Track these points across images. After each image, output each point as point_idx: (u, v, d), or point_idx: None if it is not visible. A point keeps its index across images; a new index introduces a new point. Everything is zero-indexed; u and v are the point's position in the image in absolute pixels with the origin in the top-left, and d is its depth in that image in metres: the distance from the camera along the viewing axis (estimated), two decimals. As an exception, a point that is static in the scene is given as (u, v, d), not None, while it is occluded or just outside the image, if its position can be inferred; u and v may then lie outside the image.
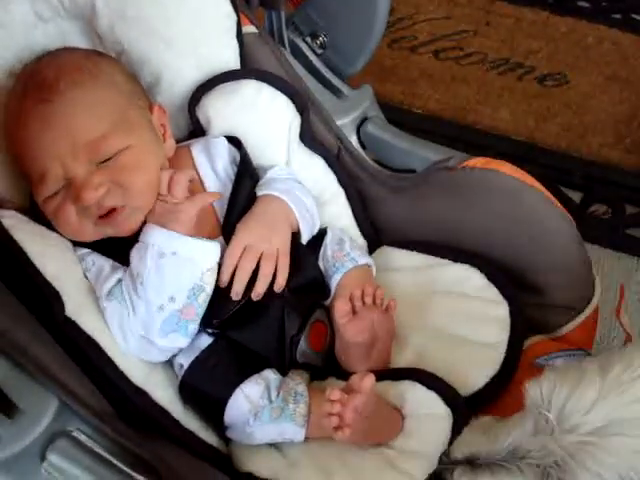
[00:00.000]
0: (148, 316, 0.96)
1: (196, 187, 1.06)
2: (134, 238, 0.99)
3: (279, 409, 0.95)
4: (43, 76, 1.00)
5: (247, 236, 1.02)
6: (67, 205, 0.97)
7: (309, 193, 1.14)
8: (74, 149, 0.96)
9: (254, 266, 1.00)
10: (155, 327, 0.96)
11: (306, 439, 0.96)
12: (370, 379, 0.91)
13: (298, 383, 0.98)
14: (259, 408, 0.95)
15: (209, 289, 0.97)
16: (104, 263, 1.00)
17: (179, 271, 0.95)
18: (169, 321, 0.96)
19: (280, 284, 1.01)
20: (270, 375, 0.98)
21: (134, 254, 0.97)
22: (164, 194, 0.99)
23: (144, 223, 0.99)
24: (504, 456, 0.74)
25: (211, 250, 0.98)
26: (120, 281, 0.98)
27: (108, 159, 0.98)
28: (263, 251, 1.01)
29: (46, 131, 0.97)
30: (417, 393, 0.97)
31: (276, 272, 1.01)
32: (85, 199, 0.95)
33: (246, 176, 1.08)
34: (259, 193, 1.08)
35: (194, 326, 0.97)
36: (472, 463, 0.76)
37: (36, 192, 1.00)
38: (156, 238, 0.96)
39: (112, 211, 0.98)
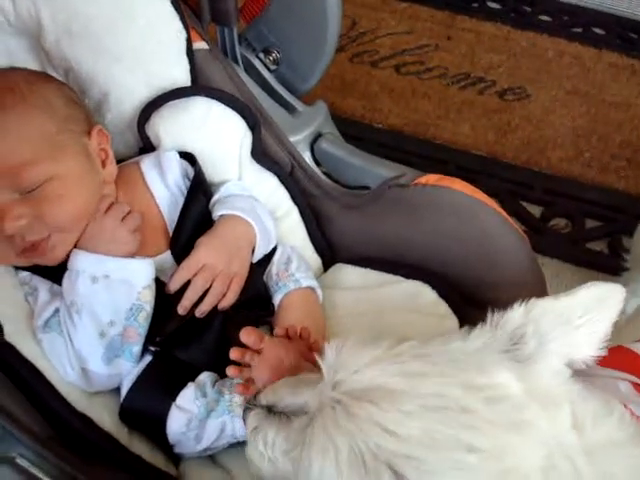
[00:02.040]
0: (89, 345, 0.93)
1: (148, 203, 1.05)
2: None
3: (214, 401, 0.94)
4: None
5: (208, 255, 1.00)
6: None
7: (269, 213, 1.13)
8: None
9: (207, 286, 0.99)
10: (98, 355, 0.94)
11: None
12: (246, 332, 0.91)
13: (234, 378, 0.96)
14: (195, 409, 0.93)
15: (148, 307, 0.95)
16: (43, 289, 0.98)
17: (114, 294, 0.94)
18: (111, 346, 0.94)
19: (225, 305, 1.00)
20: (204, 375, 0.97)
21: (65, 283, 0.95)
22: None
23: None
24: (294, 410, 0.73)
25: (145, 268, 0.96)
26: (57, 311, 0.95)
27: (33, 189, 0.94)
28: (220, 271, 1.00)
29: None
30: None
31: (225, 293, 1.00)
32: (5, 229, 0.92)
33: (199, 191, 1.07)
34: (222, 212, 1.06)
35: (138, 348, 0.96)
36: (270, 409, 0.76)
37: None
38: (85, 263, 0.94)
39: (37, 244, 0.95)
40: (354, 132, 1.64)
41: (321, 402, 0.69)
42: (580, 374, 0.72)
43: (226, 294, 1.00)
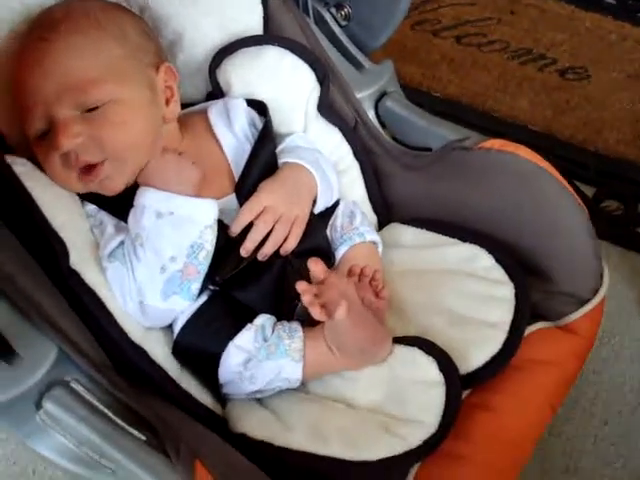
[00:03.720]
0: (150, 279, 0.95)
1: (214, 149, 1.07)
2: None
3: (274, 345, 0.95)
4: (51, 17, 1.00)
5: (270, 197, 1.02)
6: (51, 152, 0.96)
7: (332, 166, 1.14)
8: (59, 90, 0.95)
9: (269, 229, 1.01)
10: (157, 289, 0.96)
11: (301, 386, 0.98)
12: (312, 261, 0.93)
13: (292, 322, 0.99)
14: (254, 351, 0.95)
15: (209, 246, 0.97)
16: (109, 223, 1.00)
17: (177, 230, 0.95)
18: (171, 282, 0.96)
19: (287, 249, 1.02)
20: (263, 318, 0.98)
21: (131, 218, 0.97)
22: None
23: (136, 185, 0.99)
24: None
25: (208, 208, 0.98)
26: (122, 243, 0.98)
27: (94, 109, 0.96)
28: (281, 215, 1.01)
29: (37, 69, 0.96)
30: (415, 356, 0.98)
31: (287, 237, 1.01)
32: (60, 144, 0.94)
33: (268, 139, 1.08)
34: (286, 159, 1.08)
35: (197, 285, 0.97)
36: None
37: (25, 132, 0.99)
38: (151, 199, 0.96)
39: (92, 167, 0.96)
40: (412, 99, 1.62)
41: None
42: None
43: (287, 238, 1.01)
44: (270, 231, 1.01)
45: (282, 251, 1.02)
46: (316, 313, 0.91)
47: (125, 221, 0.99)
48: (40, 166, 0.98)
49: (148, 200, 0.96)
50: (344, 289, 0.93)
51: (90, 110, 0.96)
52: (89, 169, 0.96)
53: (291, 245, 1.02)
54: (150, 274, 0.95)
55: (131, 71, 1.00)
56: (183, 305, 0.98)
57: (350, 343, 0.96)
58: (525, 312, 1.04)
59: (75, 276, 0.93)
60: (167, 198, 0.96)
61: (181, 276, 0.96)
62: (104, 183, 0.98)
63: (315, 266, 0.93)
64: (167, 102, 1.05)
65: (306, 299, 0.91)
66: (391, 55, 1.66)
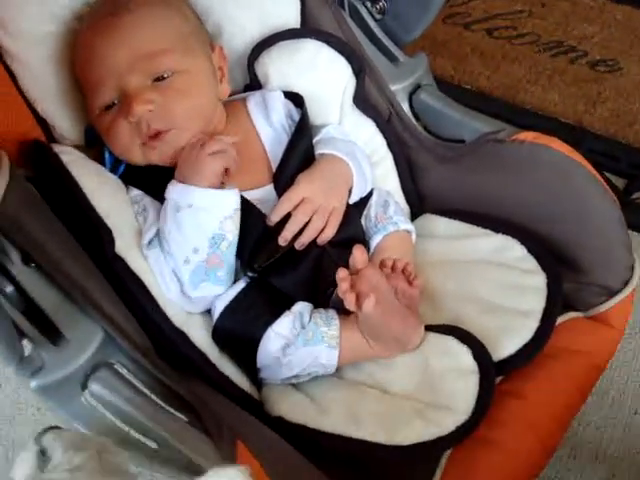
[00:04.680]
0: (177, 270, 0.98)
1: (252, 138, 1.09)
2: None
3: (311, 332, 0.98)
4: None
5: (309, 188, 1.04)
6: (120, 119, 1.01)
7: (367, 157, 1.16)
8: (131, 60, 1.00)
9: (307, 219, 1.03)
10: (185, 280, 0.98)
11: (336, 371, 1.00)
12: (358, 248, 0.96)
13: (328, 310, 1.01)
14: (292, 337, 0.97)
15: (230, 237, 0.99)
16: (151, 209, 1.02)
17: (197, 223, 0.97)
18: (196, 272, 0.98)
19: (324, 239, 1.04)
20: (300, 305, 1.00)
21: (162, 212, 1.00)
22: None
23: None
24: None
25: (228, 198, 0.99)
26: (159, 232, 1.00)
27: (163, 78, 1.01)
28: (319, 206, 1.03)
29: (108, 40, 1.00)
30: (449, 344, 0.99)
31: (324, 227, 1.04)
32: (134, 111, 0.98)
33: (305, 131, 1.10)
34: (323, 151, 1.10)
35: (222, 273, 1.00)
36: None
37: (91, 105, 1.03)
38: (172, 192, 0.99)
39: (159, 134, 1.01)
40: (442, 92, 1.64)
41: None
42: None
43: (325, 228, 1.04)
44: (308, 221, 1.03)
45: (319, 241, 1.04)
46: (349, 303, 0.93)
47: None
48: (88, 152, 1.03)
49: (169, 193, 0.99)
50: (376, 282, 0.95)
51: (159, 80, 1.01)
52: (156, 135, 1.01)
53: (328, 235, 1.04)
54: (177, 265, 0.98)
55: (195, 47, 1.06)
56: (215, 290, 1.01)
57: (382, 333, 0.98)
58: (557, 301, 1.05)
59: (120, 262, 0.96)
60: (185, 190, 0.98)
61: (205, 265, 0.98)
62: (163, 150, 1.02)
63: (360, 254, 0.96)
64: (220, 81, 1.10)
65: (342, 287, 0.94)
66: (422, 48, 1.67)
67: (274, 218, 1.03)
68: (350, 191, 1.10)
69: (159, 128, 1.00)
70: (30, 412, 1.49)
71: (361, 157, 1.13)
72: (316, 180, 1.05)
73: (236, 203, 1.00)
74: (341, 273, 0.94)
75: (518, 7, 2.07)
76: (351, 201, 1.11)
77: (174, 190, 0.99)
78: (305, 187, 1.04)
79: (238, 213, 1.00)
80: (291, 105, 1.13)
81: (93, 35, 1.02)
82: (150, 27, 1.02)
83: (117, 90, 1.01)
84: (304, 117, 1.11)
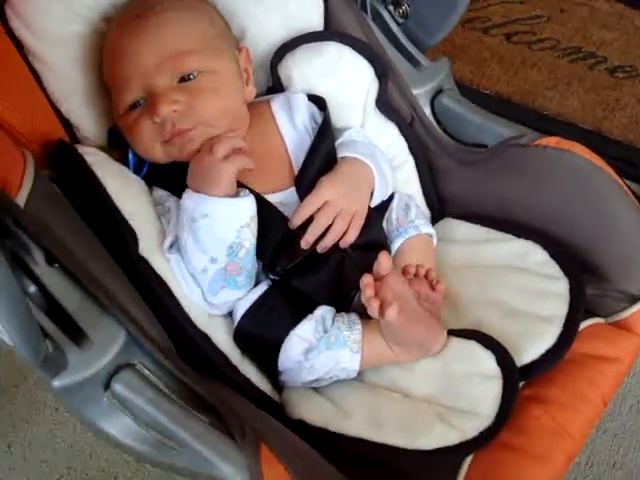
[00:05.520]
0: (197, 277, 0.98)
1: (276, 140, 1.09)
2: None
3: (334, 336, 0.97)
4: (143, 2, 1.06)
5: (331, 191, 1.04)
6: (144, 119, 1.01)
7: (388, 161, 1.16)
8: (159, 60, 1.00)
9: (329, 222, 1.03)
10: (204, 288, 0.98)
11: (358, 375, 1.00)
12: (384, 255, 0.95)
13: (350, 314, 1.01)
14: (315, 341, 0.97)
15: (248, 244, 0.98)
16: (174, 211, 1.02)
17: (213, 233, 0.96)
18: (215, 280, 0.98)
19: (347, 242, 1.04)
20: (323, 309, 1.00)
21: (180, 216, 0.99)
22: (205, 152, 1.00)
23: None
24: None
25: (244, 207, 0.98)
26: (178, 238, 1.00)
27: (189, 79, 1.01)
28: (341, 209, 1.03)
29: (136, 40, 1.01)
30: (472, 349, 0.99)
31: (346, 230, 1.03)
32: (159, 111, 0.98)
33: (328, 134, 1.10)
34: (345, 154, 1.09)
35: (242, 278, 0.99)
36: None
37: (117, 104, 1.04)
38: (187, 202, 0.98)
39: (182, 131, 1.01)
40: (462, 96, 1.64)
41: None
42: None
43: (347, 231, 1.04)
44: (330, 224, 1.03)
45: (342, 244, 1.04)
46: (373, 310, 0.93)
47: None
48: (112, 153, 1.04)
49: (184, 201, 0.98)
50: (399, 289, 0.95)
51: (185, 80, 1.01)
52: (180, 133, 1.01)
53: (351, 238, 1.04)
54: (195, 273, 0.98)
55: (222, 48, 1.07)
56: (236, 295, 1.00)
57: (405, 338, 0.98)
58: (580, 307, 1.04)
59: (144, 263, 0.96)
60: (200, 200, 0.97)
61: (224, 273, 0.98)
62: (185, 146, 1.02)
63: (385, 260, 0.95)
64: (246, 83, 1.10)
65: (367, 293, 0.93)
66: (441, 52, 1.68)
67: (296, 222, 1.03)
68: (372, 194, 1.10)
69: (184, 127, 1.01)
70: (48, 412, 1.49)
71: (382, 160, 1.13)
72: (338, 183, 1.05)
73: (252, 211, 0.99)
74: (365, 279, 0.93)
75: (537, 12, 2.08)
76: (372, 204, 1.11)
77: (189, 199, 0.98)
78: (327, 190, 1.04)
79: (255, 220, 0.99)
80: (314, 108, 1.13)
81: (121, 36, 1.03)
82: (177, 28, 1.03)
83: (143, 90, 1.01)
84: (326, 120, 1.11)
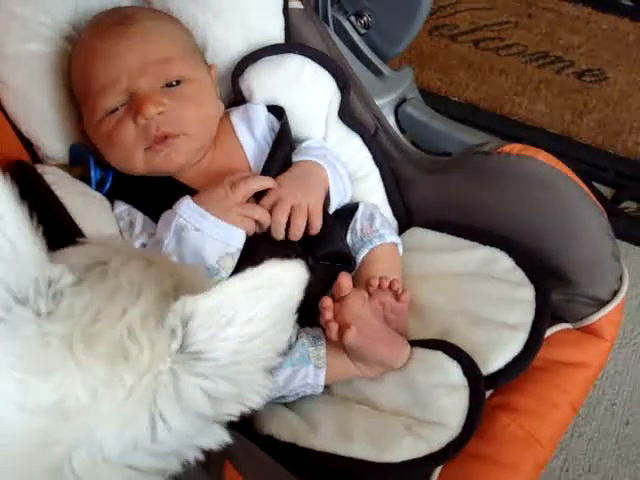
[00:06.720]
0: None
1: (237, 151, 1.09)
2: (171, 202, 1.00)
3: (298, 353, 0.97)
4: (119, 12, 1.07)
5: (277, 191, 1.04)
6: (126, 121, 1.00)
7: (342, 162, 1.16)
8: (143, 64, 1.00)
9: (286, 218, 1.02)
10: None
11: (326, 388, 0.99)
12: (344, 276, 0.97)
13: (315, 329, 1.01)
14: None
15: (224, 273, 0.97)
16: (138, 224, 1.02)
17: (199, 248, 0.96)
18: None
19: (315, 228, 1.04)
20: None
21: (162, 219, 0.99)
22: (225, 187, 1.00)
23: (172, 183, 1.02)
24: None
25: (235, 236, 0.98)
26: (144, 246, 0.99)
27: (173, 85, 1.02)
28: (293, 205, 1.03)
29: (118, 44, 1.01)
30: (438, 360, 0.98)
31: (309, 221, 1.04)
32: (146, 111, 0.97)
33: (284, 141, 1.10)
34: (297, 159, 1.10)
35: None
36: None
37: (93, 110, 1.02)
38: (186, 210, 0.97)
39: (166, 138, 1.01)
40: (430, 104, 1.65)
41: None
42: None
43: (309, 221, 1.03)
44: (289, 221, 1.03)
45: (312, 231, 1.04)
46: (332, 333, 0.94)
47: (153, 220, 1.02)
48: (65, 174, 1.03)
49: (180, 205, 0.98)
50: (357, 310, 0.95)
51: (169, 86, 1.02)
52: (164, 139, 1.00)
53: (317, 225, 1.04)
54: None
55: (200, 61, 1.08)
56: None
57: (367, 357, 0.98)
58: (546, 313, 1.04)
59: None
60: (200, 214, 0.97)
61: None
62: (171, 156, 1.02)
63: (346, 282, 0.96)
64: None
65: (326, 317, 0.94)
66: (409, 61, 1.68)
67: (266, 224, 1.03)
68: (328, 194, 1.10)
69: (168, 131, 1.00)
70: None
71: (334, 160, 1.13)
72: (287, 181, 1.06)
73: (240, 243, 0.99)
74: (324, 302, 0.94)
75: (504, 18, 2.09)
76: (332, 208, 1.11)
77: (187, 206, 0.98)
78: (277, 188, 1.04)
79: (238, 254, 0.99)
80: (273, 118, 1.13)
81: (101, 41, 1.02)
82: (159, 36, 1.04)
83: (126, 92, 1.00)
84: (283, 127, 1.11)
